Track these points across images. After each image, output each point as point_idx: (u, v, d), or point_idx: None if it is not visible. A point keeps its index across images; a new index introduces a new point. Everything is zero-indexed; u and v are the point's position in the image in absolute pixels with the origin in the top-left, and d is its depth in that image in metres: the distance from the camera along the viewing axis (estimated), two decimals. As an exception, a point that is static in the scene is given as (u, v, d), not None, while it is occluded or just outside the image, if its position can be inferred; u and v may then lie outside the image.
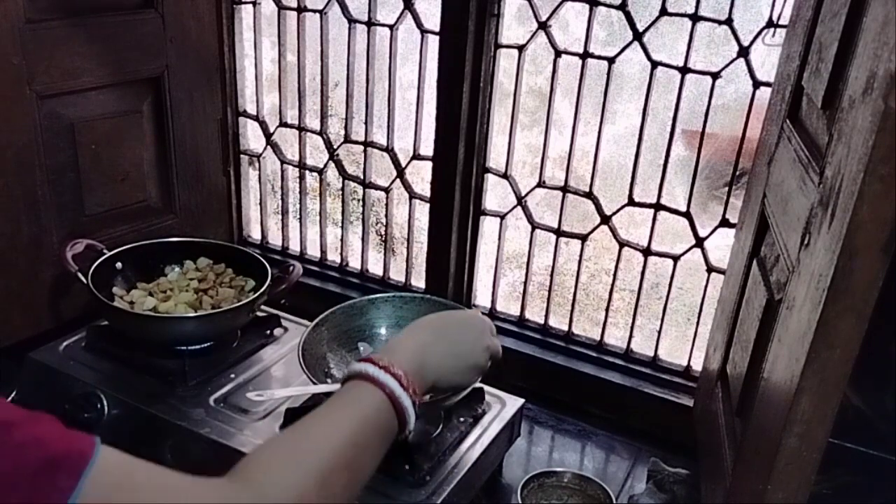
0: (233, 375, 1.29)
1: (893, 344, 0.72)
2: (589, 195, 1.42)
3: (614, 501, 1.17)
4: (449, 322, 0.94)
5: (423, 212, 1.56)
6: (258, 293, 1.33)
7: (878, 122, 0.59)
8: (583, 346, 1.50)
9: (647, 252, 1.39)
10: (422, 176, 1.58)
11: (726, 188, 1.30)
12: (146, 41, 1.50)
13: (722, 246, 1.30)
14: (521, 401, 1.27)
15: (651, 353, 1.44)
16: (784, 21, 1.10)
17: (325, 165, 1.68)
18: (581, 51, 1.34)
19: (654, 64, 1.29)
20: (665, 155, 1.32)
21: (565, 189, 1.43)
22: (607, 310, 1.45)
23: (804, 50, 0.92)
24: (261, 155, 1.76)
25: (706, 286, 1.35)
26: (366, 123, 1.59)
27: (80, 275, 1.32)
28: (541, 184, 1.45)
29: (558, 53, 1.36)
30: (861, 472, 0.75)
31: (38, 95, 1.35)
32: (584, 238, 1.44)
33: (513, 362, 1.46)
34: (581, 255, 1.45)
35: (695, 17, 1.23)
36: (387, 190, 1.62)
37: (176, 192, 1.64)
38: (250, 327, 1.38)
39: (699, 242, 1.35)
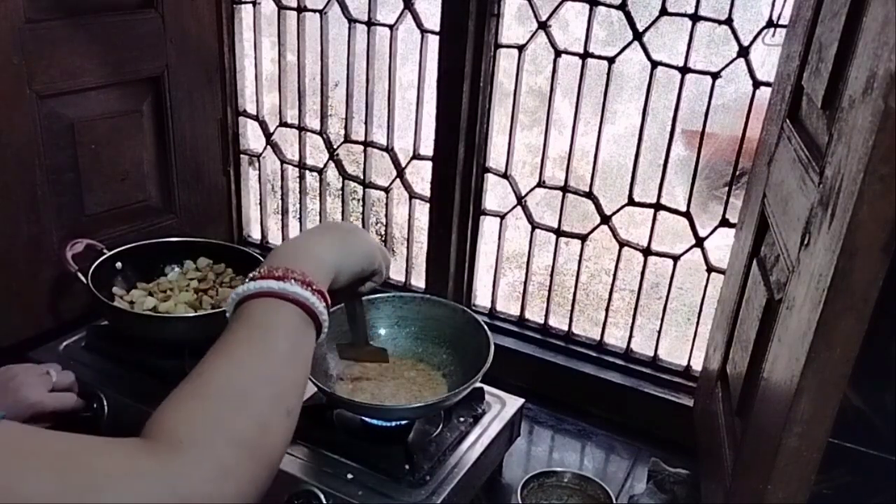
0: (233, 375, 1.29)
1: (893, 344, 0.72)
2: (589, 195, 1.42)
3: (614, 501, 1.17)
4: (326, 224, 0.89)
5: (422, 212, 1.56)
6: (258, 293, 1.32)
7: (878, 122, 0.59)
8: (583, 346, 1.50)
9: (647, 252, 1.39)
10: (422, 176, 1.58)
11: (726, 188, 1.30)
12: (146, 41, 1.50)
13: (722, 246, 1.30)
14: (521, 401, 1.27)
15: (651, 353, 1.44)
16: (784, 21, 1.10)
17: (325, 165, 1.68)
18: (581, 51, 1.34)
19: (654, 64, 1.29)
20: (665, 155, 1.32)
21: (565, 189, 1.43)
22: (607, 310, 1.45)
23: (804, 50, 0.92)
24: (261, 155, 1.76)
25: (706, 286, 1.35)
26: (366, 123, 1.59)
27: (80, 275, 1.32)
28: (541, 184, 1.45)
29: (558, 53, 1.36)
30: (861, 472, 0.75)
31: (38, 95, 1.35)
32: (584, 238, 1.44)
33: (513, 362, 1.46)
34: (581, 255, 1.45)
35: (695, 17, 1.23)
36: (387, 190, 1.62)
37: (176, 192, 1.64)
38: (250, 327, 1.38)
39: (699, 242, 1.35)
